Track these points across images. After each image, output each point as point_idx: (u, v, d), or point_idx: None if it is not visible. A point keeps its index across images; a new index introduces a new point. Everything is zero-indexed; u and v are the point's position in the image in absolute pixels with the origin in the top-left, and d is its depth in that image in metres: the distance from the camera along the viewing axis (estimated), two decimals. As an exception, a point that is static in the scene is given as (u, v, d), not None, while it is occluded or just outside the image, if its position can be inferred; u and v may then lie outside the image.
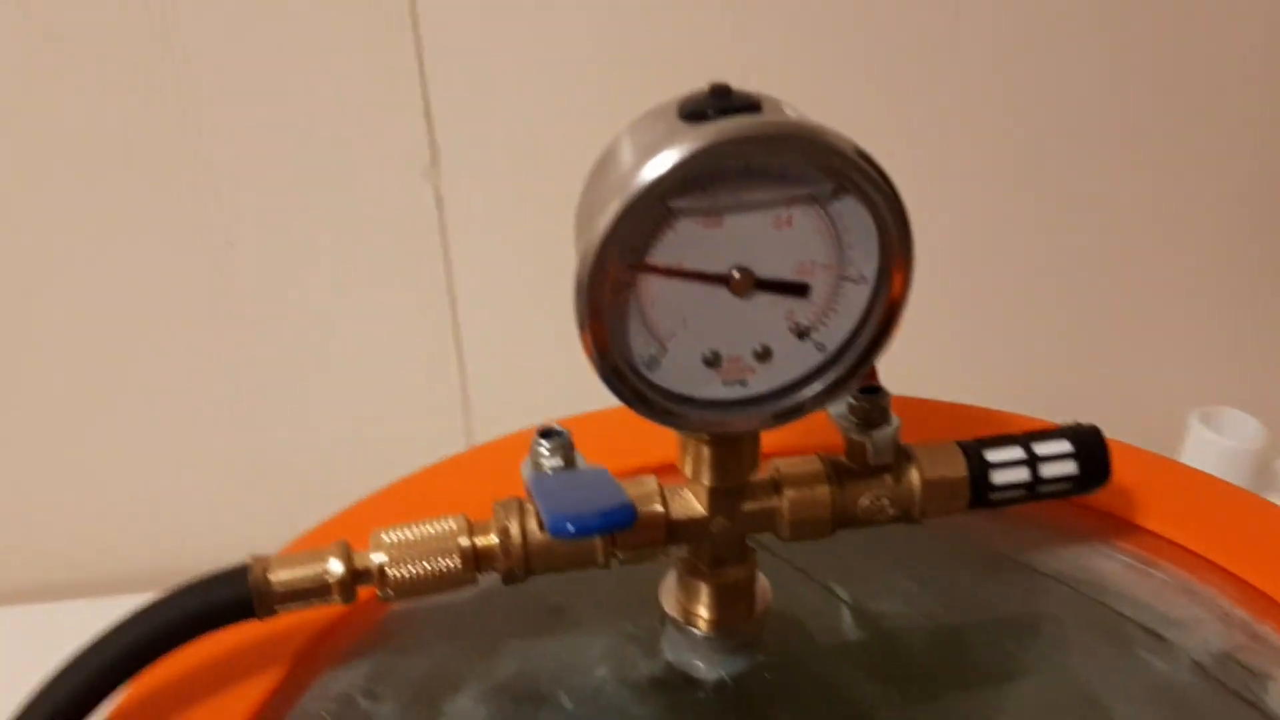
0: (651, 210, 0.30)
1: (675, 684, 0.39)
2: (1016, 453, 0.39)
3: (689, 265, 0.31)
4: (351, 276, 0.77)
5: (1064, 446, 0.39)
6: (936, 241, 0.59)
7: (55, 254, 0.74)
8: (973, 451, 0.39)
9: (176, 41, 0.69)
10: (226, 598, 0.36)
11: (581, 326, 0.31)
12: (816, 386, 0.33)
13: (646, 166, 0.29)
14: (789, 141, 0.30)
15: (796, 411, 0.34)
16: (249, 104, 0.71)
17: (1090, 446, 0.40)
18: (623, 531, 0.35)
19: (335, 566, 0.36)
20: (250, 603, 0.36)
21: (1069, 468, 0.39)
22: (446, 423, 0.83)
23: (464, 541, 0.36)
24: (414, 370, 0.82)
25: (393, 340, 0.80)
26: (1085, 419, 0.41)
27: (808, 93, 0.36)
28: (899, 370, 0.38)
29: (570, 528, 0.29)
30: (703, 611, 0.39)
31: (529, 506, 0.36)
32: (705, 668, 0.39)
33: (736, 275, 0.32)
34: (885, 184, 0.31)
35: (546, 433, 0.35)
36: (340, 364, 0.80)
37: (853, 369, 0.33)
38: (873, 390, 0.37)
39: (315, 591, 0.36)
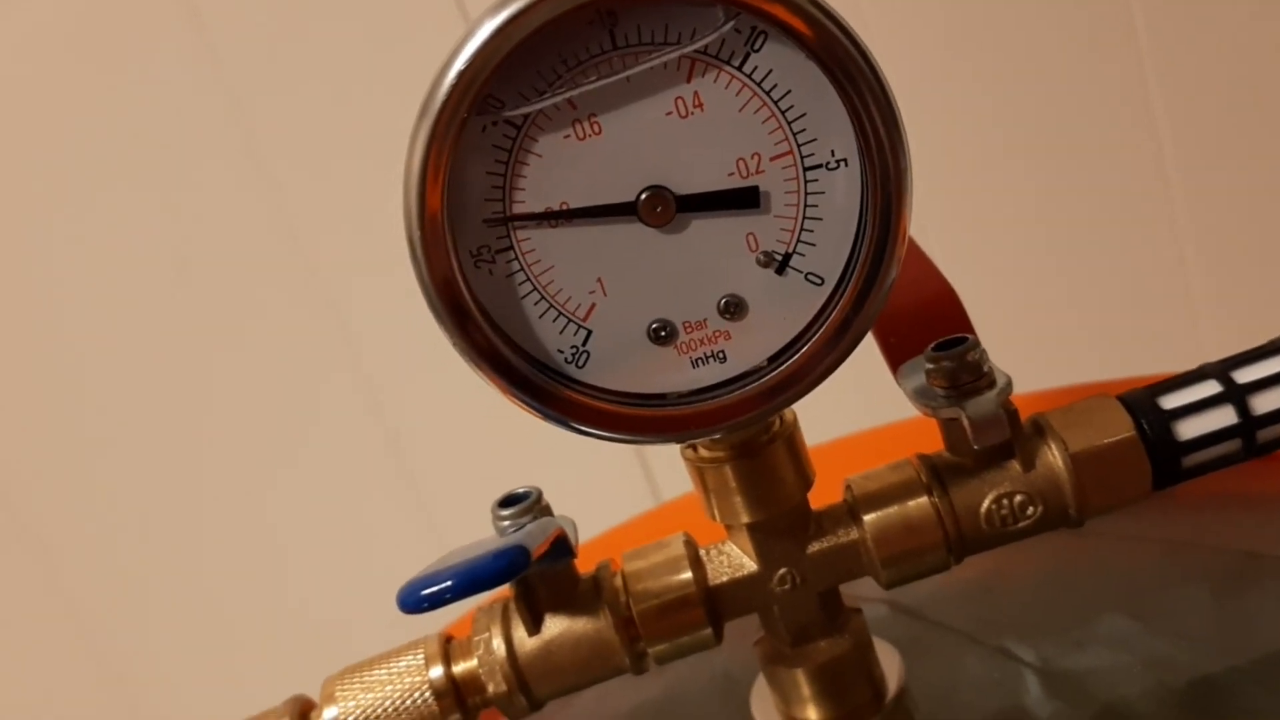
0: (487, 128, 0.21)
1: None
2: (1210, 388, 0.26)
3: (575, 200, 0.22)
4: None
5: (1284, 363, 0.26)
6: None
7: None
8: (1141, 402, 0.26)
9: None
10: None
11: (452, 334, 0.22)
12: (816, 337, 0.23)
13: (455, 60, 0.21)
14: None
15: (802, 377, 0.23)
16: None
17: (1327, 355, 0.26)
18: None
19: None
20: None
21: (1300, 391, 0.26)
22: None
23: (436, 673, 0.26)
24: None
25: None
26: None
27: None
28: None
29: (406, 600, 0.19)
30: (810, 714, 0.28)
31: (514, 608, 0.27)
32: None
33: (645, 198, 0.22)
34: (813, 4, 0.21)
35: (507, 500, 0.26)
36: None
37: (861, 297, 0.23)
38: (956, 342, 0.26)
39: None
